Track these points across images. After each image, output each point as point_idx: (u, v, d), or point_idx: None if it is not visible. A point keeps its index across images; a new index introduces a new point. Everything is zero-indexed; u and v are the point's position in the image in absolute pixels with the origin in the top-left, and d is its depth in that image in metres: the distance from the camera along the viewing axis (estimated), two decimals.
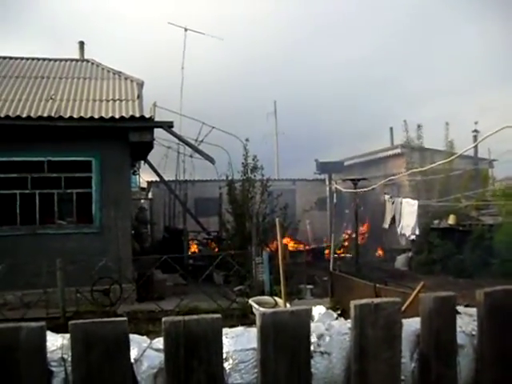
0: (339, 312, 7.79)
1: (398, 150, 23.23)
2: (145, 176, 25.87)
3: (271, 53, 51.91)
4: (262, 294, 12.64)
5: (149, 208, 25.95)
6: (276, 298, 11.26)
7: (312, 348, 1.59)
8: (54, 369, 1.51)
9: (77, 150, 13.22)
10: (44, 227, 13.18)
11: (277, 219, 9.72)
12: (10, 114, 12.92)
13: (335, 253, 15.70)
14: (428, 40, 54.40)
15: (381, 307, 1.61)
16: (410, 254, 19.23)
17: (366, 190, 14.87)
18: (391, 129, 28.28)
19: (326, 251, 18.25)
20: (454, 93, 48.91)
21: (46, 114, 13.05)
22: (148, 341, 1.61)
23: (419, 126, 21.76)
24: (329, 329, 1.65)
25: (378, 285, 9.70)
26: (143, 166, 21.68)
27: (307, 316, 1.57)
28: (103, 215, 13.36)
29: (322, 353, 1.60)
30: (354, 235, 17.74)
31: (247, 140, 16.63)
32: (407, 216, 16.65)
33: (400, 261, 19.42)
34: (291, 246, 19.99)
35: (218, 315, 1.52)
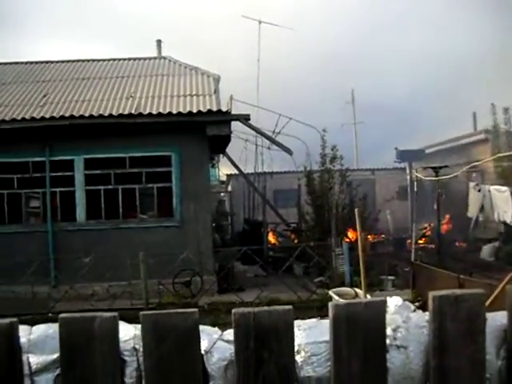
0: (419, 304, 7.47)
1: (482, 136, 22.24)
2: (224, 169, 26.24)
3: (348, 42, 51.11)
4: (342, 285, 12.49)
5: (228, 200, 26.28)
6: (356, 290, 11.08)
7: (388, 341, 1.51)
8: (126, 358, 1.52)
9: (157, 146, 13.54)
10: (127, 221, 13.63)
11: (356, 209, 9.56)
12: (94, 113, 13.41)
13: (417, 243, 15.27)
14: None
15: (462, 299, 1.50)
16: (497, 243, 18.41)
17: (447, 177, 14.36)
18: (474, 114, 27.17)
19: (408, 241, 17.78)
20: None
21: (126, 112, 13.44)
22: (219, 332, 1.59)
23: (506, 110, 20.64)
24: (406, 321, 1.56)
25: (462, 276, 9.34)
26: (222, 160, 21.98)
27: (382, 307, 1.49)
28: (183, 209, 13.62)
29: (398, 346, 1.52)
30: (436, 225, 17.18)
31: (324, 130, 16.46)
32: (501, 203, 15.92)
33: (486, 251, 18.62)
34: (372, 236, 19.63)
35: (290, 306, 1.48)
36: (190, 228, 13.48)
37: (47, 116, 13.33)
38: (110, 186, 13.62)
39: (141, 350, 1.50)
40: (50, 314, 11.50)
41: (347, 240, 14.50)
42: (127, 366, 1.52)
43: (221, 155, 20.53)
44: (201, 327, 1.59)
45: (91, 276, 12.34)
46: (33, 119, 13.20)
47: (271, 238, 20.01)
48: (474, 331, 1.51)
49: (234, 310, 1.47)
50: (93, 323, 1.48)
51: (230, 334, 1.55)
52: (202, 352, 1.50)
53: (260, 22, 23.67)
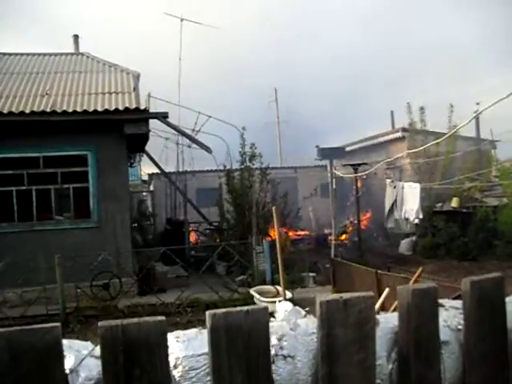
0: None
1: (399, 134, 22.90)
2: (146, 168, 25.77)
3: (267, 39, 51.50)
4: (264, 283, 12.51)
5: (150, 200, 25.84)
6: (278, 287, 11.10)
7: (273, 351, 1.40)
8: None
9: (72, 145, 13.06)
10: (42, 223, 13.06)
11: (273, 208, 9.52)
12: (5, 110, 12.74)
13: (337, 239, 15.51)
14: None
15: (351, 303, 1.41)
16: (413, 238, 19.01)
17: (365, 173, 14.65)
18: (392, 112, 27.94)
19: (329, 238, 18.04)
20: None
21: (40, 110, 12.86)
22: (90, 347, 1.42)
23: (422, 109, 21.31)
24: (293, 328, 1.45)
25: (379, 271, 9.50)
26: (144, 159, 21.56)
27: (265, 315, 1.37)
28: (101, 209, 13.21)
29: (284, 356, 1.41)
30: (356, 221, 17.54)
31: (244, 129, 16.41)
32: (410, 200, 16.39)
33: (404, 245, 19.21)
34: (292, 233, 19.78)
35: (162, 317, 1.33)
36: (108, 229, 13.08)
37: None
38: (22, 187, 12.99)
39: None
40: None
41: (269, 238, 14.50)
42: None
43: (142, 154, 20.12)
44: (69, 342, 1.42)
45: (3, 282, 11.73)
46: None
47: (192, 237, 19.83)
48: (364, 336, 1.42)
49: (100, 323, 1.31)
50: None
51: None
52: (67, 371, 1.34)
53: (182, 20, 23.36)
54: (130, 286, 12.57)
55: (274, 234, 14.42)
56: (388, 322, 1.53)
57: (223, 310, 1.34)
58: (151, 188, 26.17)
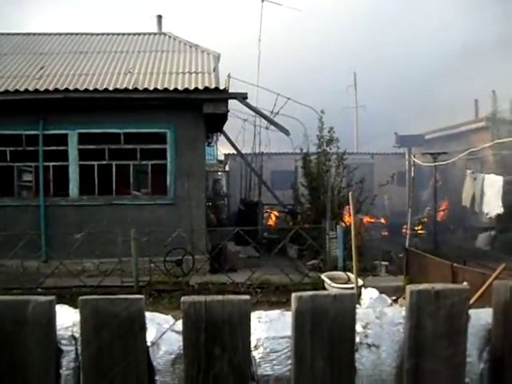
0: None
1: (483, 124, 21.97)
2: (222, 149, 26.02)
3: (351, 24, 50.54)
4: (335, 269, 12.39)
5: (225, 180, 26.10)
6: (349, 274, 10.97)
7: (357, 339, 1.34)
8: (63, 347, 1.36)
9: (152, 122, 13.34)
10: (120, 198, 13.46)
11: (350, 193, 9.36)
12: (90, 87, 13.16)
13: (413, 229, 15.13)
14: None
15: (443, 295, 1.32)
16: (492, 232, 18.26)
17: (445, 163, 14.16)
18: (476, 101, 26.86)
19: (404, 227, 17.65)
20: None
21: (122, 87, 13.19)
22: (171, 321, 1.42)
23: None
24: (380, 317, 1.39)
25: (455, 264, 9.19)
26: (221, 139, 21.76)
27: (352, 301, 1.32)
28: (177, 187, 13.45)
29: (369, 345, 1.35)
30: (432, 212, 17.05)
31: (322, 112, 16.18)
32: (490, 193, 15.74)
33: (482, 240, 18.48)
34: (367, 221, 19.46)
35: (247, 297, 1.30)
36: (184, 206, 13.31)
37: (42, 89, 13.08)
38: (103, 162, 13.42)
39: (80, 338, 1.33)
40: (39, 289, 11.42)
41: (342, 224, 14.33)
42: (64, 356, 1.35)
43: (219, 134, 20.31)
44: (151, 315, 1.42)
45: (82, 252, 12.21)
46: (26, 91, 12.94)
47: (272, 219, 19.91)
48: (455, 331, 1.34)
49: (183, 298, 1.30)
50: (26, 307, 1.31)
51: None
52: (148, 343, 1.34)
53: (263, 1, 23.26)
54: (202, 264, 12.77)
55: (349, 219, 14.28)
56: (480, 318, 1.44)
57: (310, 292, 1.30)
58: (226, 168, 26.41)
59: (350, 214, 10.56)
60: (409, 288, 1.34)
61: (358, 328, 1.36)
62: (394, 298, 7.02)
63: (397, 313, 1.42)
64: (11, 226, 12.43)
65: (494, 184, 15.79)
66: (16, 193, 13.63)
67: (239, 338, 1.29)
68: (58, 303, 1.39)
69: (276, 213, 20.04)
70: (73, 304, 1.51)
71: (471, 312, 1.43)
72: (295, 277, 12.22)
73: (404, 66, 44.70)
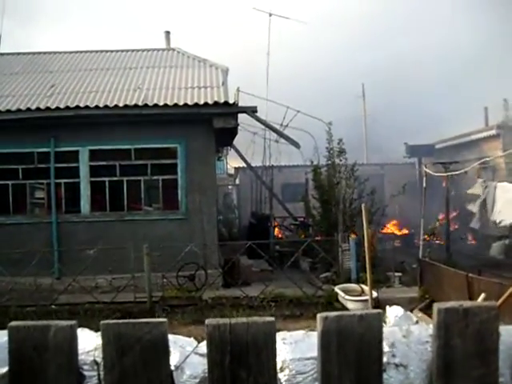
0: (426, 303, 7.08)
1: (494, 131, 21.81)
2: (232, 162, 26.06)
3: (357, 36, 50.61)
4: (349, 281, 12.32)
5: (236, 193, 26.11)
6: (363, 286, 10.90)
7: (385, 359, 1.31)
8: (86, 372, 1.34)
9: (163, 137, 13.38)
10: (131, 213, 13.48)
11: (362, 205, 9.33)
12: (100, 104, 13.24)
13: (425, 239, 15.00)
14: None
15: (472, 313, 1.29)
16: (507, 241, 18.07)
17: (456, 173, 14.06)
18: (486, 109, 26.70)
19: (417, 238, 17.52)
20: None
21: (132, 103, 13.26)
22: (194, 344, 1.40)
23: None
24: (406, 335, 1.36)
25: (470, 274, 9.09)
26: (230, 152, 21.80)
27: (379, 320, 1.29)
28: (189, 201, 13.45)
29: (396, 365, 1.32)
30: (444, 221, 16.92)
31: (330, 123, 16.12)
32: (501, 201, 15.61)
33: (496, 248, 18.28)
34: (379, 232, 19.35)
35: (272, 318, 1.28)
36: (196, 221, 13.31)
37: (53, 107, 13.18)
38: (115, 178, 13.47)
39: (102, 363, 1.31)
40: (52, 306, 11.42)
41: (354, 235, 14.25)
42: (87, 382, 1.34)
43: (229, 148, 20.35)
44: (175, 338, 1.40)
45: (95, 268, 12.24)
46: (38, 109, 13.06)
47: (277, 232, 19.82)
48: (486, 350, 1.30)
49: (207, 321, 1.27)
50: (47, 333, 1.29)
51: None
52: (172, 367, 1.31)
53: (270, 15, 23.39)
54: (215, 278, 12.73)
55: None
56: (510, 335, 1.40)
57: (335, 313, 1.27)
58: (237, 182, 26.42)
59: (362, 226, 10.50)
60: (436, 306, 1.31)
61: (385, 347, 1.33)
62: (419, 315, 6.88)
63: (423, 331, 1.39)
64: (24, 243, 12.46)
65: (505, 192, 15.66)
66: (28, 210, 13.68)
67: (265, 360, 1.26)
68: (69, 319, 1.37)
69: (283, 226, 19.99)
70: (87, 321, 1.49)
71: (501, 329, 1.39)
72: (309, 290, 12.14)
73: (412, 75, 44.60)
